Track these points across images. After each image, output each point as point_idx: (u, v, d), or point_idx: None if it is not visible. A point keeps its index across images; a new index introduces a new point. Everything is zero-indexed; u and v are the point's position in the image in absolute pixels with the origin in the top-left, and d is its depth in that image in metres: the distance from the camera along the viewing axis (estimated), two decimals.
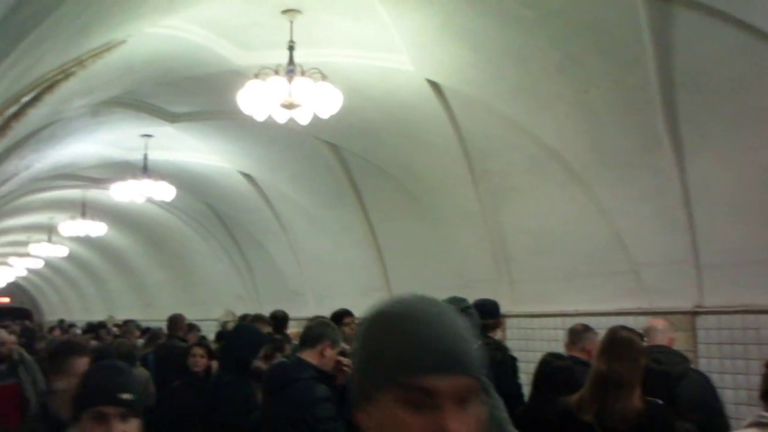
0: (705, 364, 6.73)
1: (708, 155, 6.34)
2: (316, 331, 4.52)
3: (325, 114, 6.53)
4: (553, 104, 6.94)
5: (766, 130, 5.97)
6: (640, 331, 4.26)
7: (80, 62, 6.39)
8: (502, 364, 5.07)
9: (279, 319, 7.54)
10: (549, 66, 6.51)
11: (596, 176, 7.25)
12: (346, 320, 6.55)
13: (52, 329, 17.72)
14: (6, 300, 38.99)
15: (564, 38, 6.14)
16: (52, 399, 3.24)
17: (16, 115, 6.58)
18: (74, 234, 16.21)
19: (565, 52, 6.27)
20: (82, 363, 3.23)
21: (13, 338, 8.41)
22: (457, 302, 3.91)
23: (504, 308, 8.44)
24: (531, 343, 8.50)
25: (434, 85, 7.59)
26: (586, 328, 5.12)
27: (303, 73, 6.38)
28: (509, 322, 8.68)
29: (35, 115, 7.01)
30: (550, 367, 4.38)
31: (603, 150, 6.98)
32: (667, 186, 6.65)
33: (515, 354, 6.30)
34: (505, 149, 7.93)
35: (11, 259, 26.11)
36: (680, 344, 6.81)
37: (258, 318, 7.44)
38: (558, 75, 6.55)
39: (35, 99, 6.56)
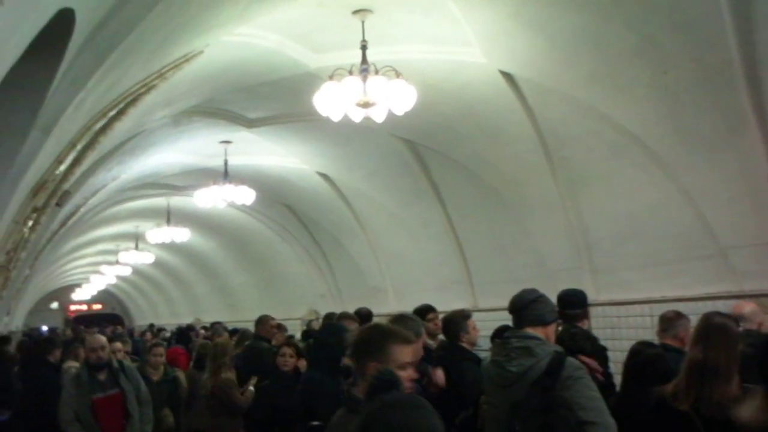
0: None
1: None
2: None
3: (400, 111, 6.56)
4: (632, 88, 6.81)
5: None
6: (735, 317, 4.15)
7: (161, 74, 6.60)
8: (592, 354, 5.01)
9: (364, 316, 7.61)
10: (625, 49, 6.40)
11: (679, 159, 7.09)
12: (430, 316, 6.54)
13: (143, 334, 18.27)
14: (98, 306, 40.47)
15: (640, 20, 6.01)
16: None
17: (103, 130, 6.82)
18: (160, 241, 16.69)
19: (641, 34, 6.15)
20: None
21: (119, 345, 8.47)
22: (527, 294, 3.93)
23: (590, 297, 8.35)
24: (617, 332, 8.37)
25: (508, 76, 7.55)
26: (679, 315, 5.02)
27: (377, 72, 6.43)
28: (594, 311, 8.53)
29: (120, 129, 7.27)
30: (641, 356, 4.31)
31: (685, 132, 6.81)
32: (753, 166, 6.45)
33: (606, 343, 6.21)
34: (582, 136, 7.82)
35: (102, 267, 27.05)
36: None
37: (344, 316, 7.51)
38: (635, 58, 6.43)
39: (120, 113, 6.80)
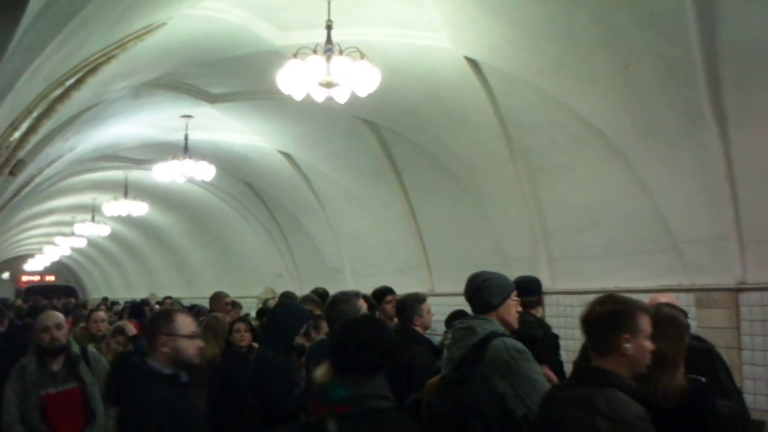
0: (748, 341, 6.66)
1: (753, 129, 6.20)
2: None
3: (364, 92, 6.53)
4: (594, 80, 6.85)
5: None
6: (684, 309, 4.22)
7: (122, 45, 6.48)
8: (544, 341, 5.06)
9: (321, 296, 7.59)
10: (589, 41, 6.43)
11: (638, 152, 7.17)
12: (388, 298, 6.52)
13: (97, 307, 18.04)
14: (51, 278, 39.87)
15: (605, 12, 6.04)
16: None
17: (60, 98, 6.69)
18: (117, 214, 16.47)
19: (606, 26, 6.18)
20: None
21: (102, 314, 7.47)
22: (472, 281, 3.96)
23: (543, 286, 8.44)
24: (571, 320, 8.46)
25: (473, 63, 7.55)
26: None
27: (341, 53, 6.39)
28: (548, 299, 8.65)
29: (78, 98, 7.13)
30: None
31: (644, 125, 6.89)
32: (710, 161, 6.55)
33: (559, 332, 6.28)
34: (544, 126, 7.87)
35: (57, 239, 26.65)
36: (723, 321, 6.78)
37: (308, 299, 7.47)
38: (599, 50, 6.47)
39: (78, 82, 6.67)
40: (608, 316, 3.01)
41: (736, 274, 6.80)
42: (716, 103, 6.15)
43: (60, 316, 5.37)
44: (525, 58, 7.11)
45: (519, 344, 3.63)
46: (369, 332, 3.12)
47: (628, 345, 2.91)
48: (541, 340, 4.85)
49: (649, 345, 2.95)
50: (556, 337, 5.63)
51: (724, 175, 6.51)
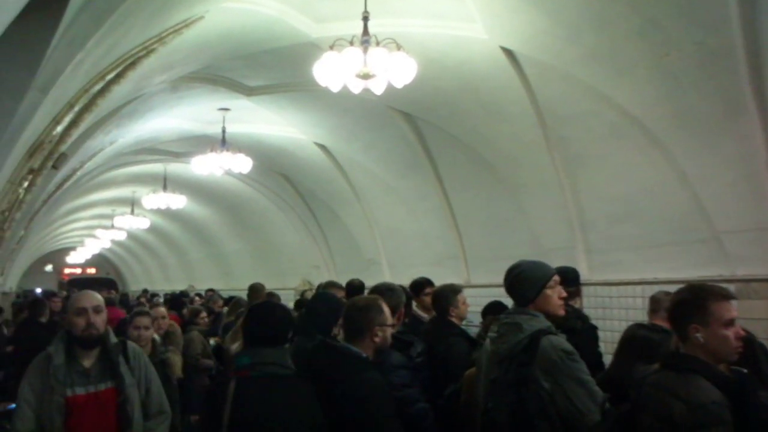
0: None
1: None
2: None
3: (400, 84, 6.54)
4: (633, 69, 6.78)
5: None
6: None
7: (161, 39, 6.57)
8: (582, 333, 5.03)
9: (355, 288, 7.63)
10: (628, 30, 6.36)
11: (677, 142, 7.08)
12: (427, 290, 6.48)
13: (138, 299, 18.33)
14: (92, 270, 40.53)
15: (643, 1, 5.98)
16: None
17: (101, 92, 6.80)
18: (156, 206, 16.69)
19: (645, 15, 6.11)
20: None
21: (162, 310, 6.76)
22: (508, 275, 3.93)
23: (583, 277, 8.38)
24: (609, 312, 8.42)
25: (509, 53, 7.51)
26: (668, 296, 5.04)
27: (378, 44, 6.39)
28: (586, 291, 8.59)
29: (118, 92, 7.24)
30: (630, 335, 4.35)
31: (684, 115, 6.80)
32: (751, 152, 6.44)
33: (597, 323, 6.23)
34: (582, 116, 7.80)
35: (97, 231, 27.08)
36: (763, 312, 6.68)
37: (331, 284, 7.51)
38: (638, 39, 6.40)
39: (118, 76, 6.77)
40: (678, 305, 3.09)
41: None
42: (758, 91, 6.04)
43: (98, 297, 4.22)
44: (562, 48, 7.06)
45: (567, 344, 3.61)
46: (264, 312, 3.97)
47: (698, 334, 2.96)
48: (579, 332, 4.82)
49: (728, 333, 2.96)
50: (594, 328, 5.60)
51: (765, 164, 6.40)
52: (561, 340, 3.62)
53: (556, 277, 3.91)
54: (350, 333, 3.89)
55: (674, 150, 7.15)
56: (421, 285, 6.58)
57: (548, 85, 7.76)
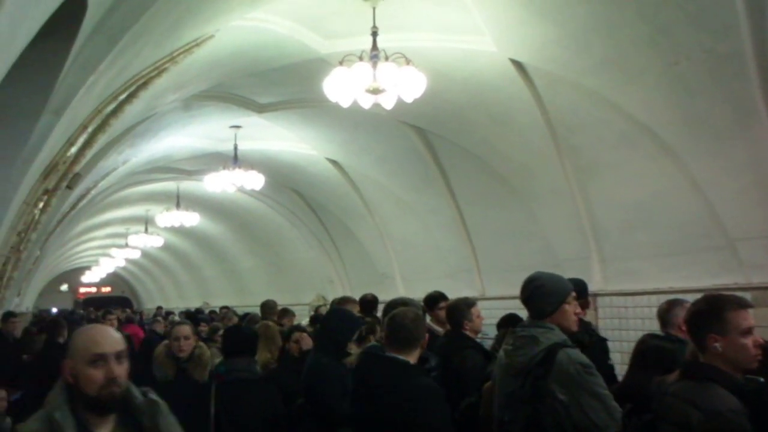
0: None
1: None
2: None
3: (410, 98, 6.57)
4: (642, 77, 6.79)
5: None
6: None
7: (172, 58, 6.63)
8: (591, 346, 4.99)
9: (368, 302, 7.63)
10: (637, 38, 6.38)
11: (688, 149, 7.07)
12: (441, 304, 6.44)
13: (154, 317, 18.35)
14: (107, 289, 40.70)
15: (652, 9, 5.99)
16: None
17: (114, 113, 6.87)
18: (169, 224, 16.77)
19: (653, 23, 6.12)
20: None
21: (187, 330, 5.21)
22: (525, 288, 3.92)
23: (596, 287, 8.38)
24: (624, 322, 8.38)
25: (518, 65, 7.54)
26: (671, 304, 4.97)
27: (387, 59, 6.43)
28: (601, 301, 8.58)
29: (131, 112, 7.30)
30: (645, 346, 4.34)
31: (695, 122, 6.80)
32: (763, 158, 6.43)
33: (609, 333, 6.22)
34: (592, 124, 7.81)
35: (112, 250, 27.20)
36: None
37: (345, 299, 7.51)
38: (646, 47, 6.41)
39: (131, 96, 6.84)
40: (696, 316, 3.09)
41: None
42: None
43: (120, 338, 2.68)
44: (571, 58, 7.08)
45: (583, 357, 3.59)
46: (234, 332, 5.60)
47: (716, 344, 2.96)
48: (588, 345, 4.79)
49: (746, 341, 2.96)
50: (603, 340, 5.57)
51: None
52: (578, 353, 3.60)
53: (574, 293, 3.89)
54: (400, 343, 3.92)
55: (685, 157, 7.14)
56: (435, 299, 6.56)
57: (558, 95, 7.77)
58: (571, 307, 3.84)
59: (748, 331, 2.99)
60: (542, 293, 3.80)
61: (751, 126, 6.32)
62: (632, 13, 6.15)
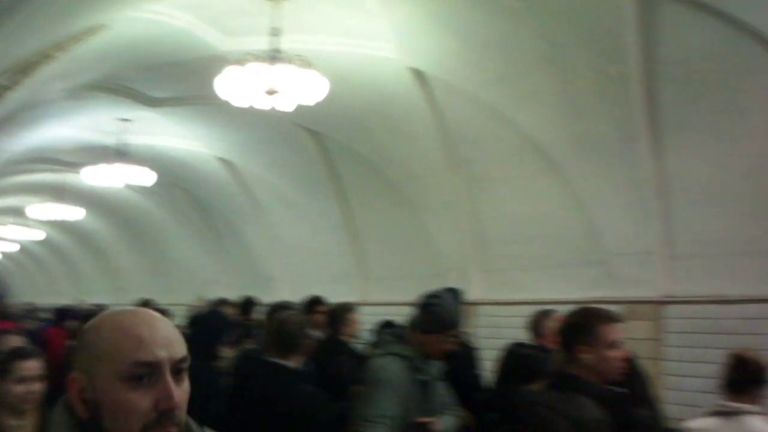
0: (671, 352, 6.93)
1: (687, 147, 6.48)
2: None
3: (310, 101, 6.53)
4: (536, 95, 7.04)
5: (745, 124, 6.15)
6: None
7: (60, 46, 6.39)
8: (460, 356, 5.05)
9: (247, 304, 7.61)
10: (533, 57, 6.61)
11: (574, 167, 7.38)
12: (318, 308, 6.45)
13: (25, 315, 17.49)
14: None
15: (549, 29, 6.23)
16: None
17: None
18: (50, 218, 16.11)
19: (550, 42, 6.37)
20: None
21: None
22: (424, 298, 3.94)
23: (478, 296, 8.61)
24: (501, 331, 8.60)
25: (418, 74, 7.66)
26: (539, 315, 5.17)
27: (287, 60, 6.38)
28: (482, 310, 8.79)
29: (13, 98, 6.99)
30: (511, 356, 4.47)
31: (582, 141, 7.09)
32: (643, 177, 6.79)
33: (486, 342, 6.38)
34: (486, 138, 8.03)
35: None
36: (646, 333, 7.03)
37: (222, 301, 7.45)
38: (542, 65, 6.65)
39: (13, 82, 6.55)
40: (568, 328, 3.20)
41: (662, 287, 7.06)
42: (651, 120, 6.40)
43: (169, 328, 1.47)
44: (470, 71, 7.25)
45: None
46: None
47: (584, 356, 3.07)
48: (457, 355, 4.85)
49: (612, 354, 3.09)
50: (472, 349, 5.69)
51: (656, 190, 6.77)
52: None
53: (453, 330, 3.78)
54: (283, 348, 3.90)
55: (571, 174, 7.45)
56: (311, 303, 6.58)
57: (455, 107, 7.94)
58: (445, 340, 3.70)
59: (615, 345, 3.15)
60: (429, 312, 3.70)
61: (632, 147, 6.67)
62: (530, 32, 6.37)
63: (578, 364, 3.10)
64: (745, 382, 3.99)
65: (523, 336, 7.67)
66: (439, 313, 3.77)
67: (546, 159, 7.57)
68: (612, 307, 6.87)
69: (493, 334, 8.32)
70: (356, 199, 10.86)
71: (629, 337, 6.85)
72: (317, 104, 6.75)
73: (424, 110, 8.07)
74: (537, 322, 5.09)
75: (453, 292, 4.52)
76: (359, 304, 6.49)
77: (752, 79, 5.91)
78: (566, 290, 7.72)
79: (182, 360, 1.43)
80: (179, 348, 1.44)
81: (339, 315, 5.66)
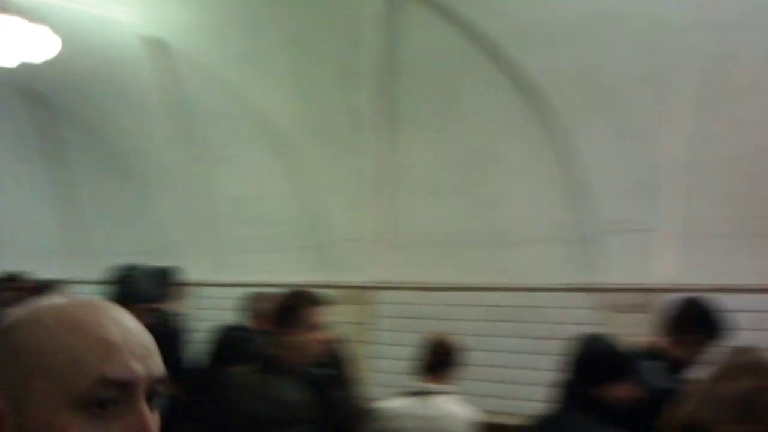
0: (383, 336, 7.36)
1: (416, 142, 6.89)
2: None
3: (36, 59, 6.03)
4: (276, 76, 7.10)
5: (465, 124, 6.62)
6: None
7: None
8: (160, 335, 5.02)
9: None
10: (278, 38, 6.67)
11: (306, 151, 7.54)
12: (11, 285, 6.13)
13: None
14: None
15: (296, 12, 6.34)
16: None
17: None
18: None
19: (293, 25, 6.47)
20: None
21: None
22: (117, 271, 3.83)
23: (201, 276, 8.50)
24: (225, 313, 8.56)
25: (158, 44, 7.42)
26: (255, 298, 5.28)
27: (16, 11, 5.82)
28: (207, 291, 8.69)
29: None
30: (220, 337, 4.51)
31: (315, 126, 7.28)
32: (370, 167, 7.13)
33: (207, 324, 6.33)
34: (222, 116, 7.94)
35: None
36: (360, 317, 7.38)
37: None
38: (286, 48, 6.72)
39: None
40: (276, 310, 3.32)
41: (377, 273, 7.46)
42: (384, 113, 6.74)
43: (141, 332, 1.08)
44: (210, 47, 7.16)
45: None
46: None
47: (288, 338, 3.20)
48: (156, 334, 4.80)
49: (315, 336, 3.22)
50: (179, 332, 5.65)
51: (382, 181, 7.14)
52: None
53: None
54: None
55: (303, 159, 7.61)
56: (3, 279, 6.24)
57: (194, 82, 7.78)
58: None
59: (317, 327, 3.28)
60: (127, 283, 3.71)
61: (363, 137, 6.98)
62: (275, 12, 6.43)
63: (283, 345, 3.20)
64: (437, 364, 4.34)
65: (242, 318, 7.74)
66: (131, 285, 3.72)
67: (279, 141, 7.66)
68: (328, 292, 7.20)
69: (215, 317, 8.27)
70: (79, 170, 10.22)
71: (343, 321, 7.22)
72: (43, 64, 6.26)
73: (157, 82, 7.84)
74: (251, 304, 5.15)
75: (161, 270, 4.46)
76: (69, 282, 6.10)
77: (471, 80, 6.39)
78: (286, 273, 7.85)
79: (160, 380, 1.00)
80: (158, 361, 1.01)
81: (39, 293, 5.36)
